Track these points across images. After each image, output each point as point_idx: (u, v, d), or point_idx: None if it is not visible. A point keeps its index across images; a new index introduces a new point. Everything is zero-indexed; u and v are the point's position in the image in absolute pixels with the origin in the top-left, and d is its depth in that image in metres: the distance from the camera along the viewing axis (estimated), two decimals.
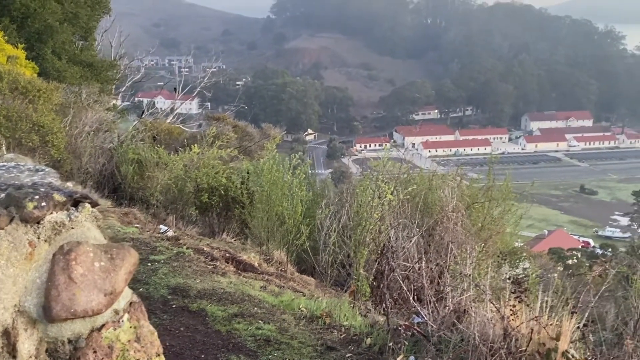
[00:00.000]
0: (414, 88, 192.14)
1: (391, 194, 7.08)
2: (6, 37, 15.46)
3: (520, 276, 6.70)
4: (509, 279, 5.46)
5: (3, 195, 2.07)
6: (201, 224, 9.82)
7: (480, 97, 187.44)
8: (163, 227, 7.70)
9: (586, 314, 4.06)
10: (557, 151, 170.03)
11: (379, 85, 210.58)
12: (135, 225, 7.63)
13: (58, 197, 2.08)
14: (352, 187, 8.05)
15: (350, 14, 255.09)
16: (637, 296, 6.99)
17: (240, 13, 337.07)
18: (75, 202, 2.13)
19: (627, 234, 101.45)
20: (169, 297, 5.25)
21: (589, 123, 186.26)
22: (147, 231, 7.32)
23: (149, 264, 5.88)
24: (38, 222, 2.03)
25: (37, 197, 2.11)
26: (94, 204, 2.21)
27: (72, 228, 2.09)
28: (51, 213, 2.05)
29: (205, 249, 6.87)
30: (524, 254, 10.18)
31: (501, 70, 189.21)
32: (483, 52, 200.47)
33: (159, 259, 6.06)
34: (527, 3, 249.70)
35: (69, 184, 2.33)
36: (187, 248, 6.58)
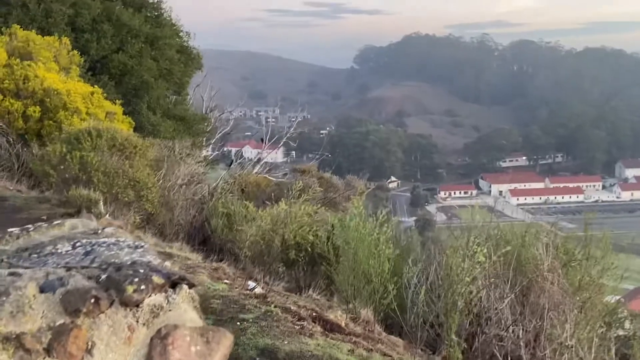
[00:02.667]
0: (500, 135, 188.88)
1: (483, 255, 6.85)
2: (105, 94, 16.34)
3: (621, 342, 6.25)
4: (610, 351, 5.11)
5: (104, 276, 2.04)
6: (287, 278, 9.83)
7: (570, 143, 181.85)
8: (251, 284, 7.74)
9: None
10: None
11: (463, 132, 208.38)
12: (225, 281, 7.71)
13: (157, 279, 2.05)
14: (440, 246, 7.85)
15: (433, 62, 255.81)
16: None
17: (325, 64, 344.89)
18: (173, 283, 2.11)
19: None
20: (257, 359, 5.22)
21: None
22: (236, 287, 7.37)
23: (238, 323, 5.88)
24: (137, 306, 2.02)
25: (136, 279, 2.07)
26: (190, 285, 2.19)
27: (170, 310, 2.07)
28: (150, 296, 2.03)
29: (292, 307, 6.83)
30: (625, 314, 9.56)
31: (592, 116, 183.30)
32: (572, 98, 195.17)
33: (247, 318, 6.06)
34: (618, 48, 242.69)
35: (167, 264, 2.34)
36: (275, 306, 6.55)
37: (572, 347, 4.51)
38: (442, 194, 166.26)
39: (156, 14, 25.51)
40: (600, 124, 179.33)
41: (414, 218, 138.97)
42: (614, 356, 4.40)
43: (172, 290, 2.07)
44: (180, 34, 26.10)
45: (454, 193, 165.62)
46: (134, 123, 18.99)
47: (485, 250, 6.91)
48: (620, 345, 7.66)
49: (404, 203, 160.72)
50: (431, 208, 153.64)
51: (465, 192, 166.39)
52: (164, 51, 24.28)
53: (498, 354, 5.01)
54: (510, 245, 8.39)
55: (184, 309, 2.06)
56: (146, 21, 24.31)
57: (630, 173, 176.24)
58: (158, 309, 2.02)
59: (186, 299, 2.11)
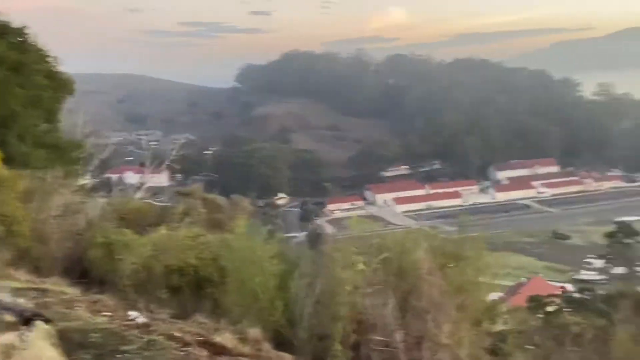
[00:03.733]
0: (381, 146, 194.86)
1: (363, 263, 7.03)
2: None
3: (497, 338, 6.61)
4: (485, 348, 5.39)
5: None
6: (173, 304, 9.59)
7: (446, 150, 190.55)
8: (133, 314, 7.50)
9: None
10: (526, 199, 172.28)
11: (346, 146, 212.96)
12: (104, 313, 7.42)
13: (8, 317, 1.98)
14: (322, 258, 7.98)
15: (313, 78, 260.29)
16: (619, 346, 6.94)
17: (205, 84, 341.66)
18: (27, 320, 2.03)
19: (603, 276, 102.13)
20: None
21: (554, 169, 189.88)
22: (117, 319, 7.11)
23: (119, 356, 5.67)
24: None
25: None
26: (47, 321, 2.14)
27: (24, 349, 1.96)
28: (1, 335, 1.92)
29: (177, 334, 6.67)
30: (502, 310, 10.10)
31: (465, 124, 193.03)
32: (445, 107, 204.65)
33: (129, 350, 5.86)
34: (484, 57, 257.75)
35: (21, 300, 2.29)
36: (159, 335, 6.38)
37: (448, 345, 4.71)
38: (330, 207, 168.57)
39: (20, 39, 24.25)
40: (473, 131, 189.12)
41: (305, 232, 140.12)
42: (485, 351, 4.65)
43: (26, 327, 1.98)
44: (48, 58, 24.94)
45: (342, 205, 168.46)
46: (2, 155, 17.91)
47: (364, 259, 7.09)
48: (498, 340, 8.08)
49: (295, 218, 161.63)
50: (321, 221, 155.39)
51: (352, 204, 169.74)
52: (30, 77, 23.13)
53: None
54: (390, 252, 8.65)
55: (40, 347, 1.97)
56: (10, 47, 23.07)
57: (502, 175, 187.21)
58: (11, 349, 1.91)
59: (43, 336, 2.03)
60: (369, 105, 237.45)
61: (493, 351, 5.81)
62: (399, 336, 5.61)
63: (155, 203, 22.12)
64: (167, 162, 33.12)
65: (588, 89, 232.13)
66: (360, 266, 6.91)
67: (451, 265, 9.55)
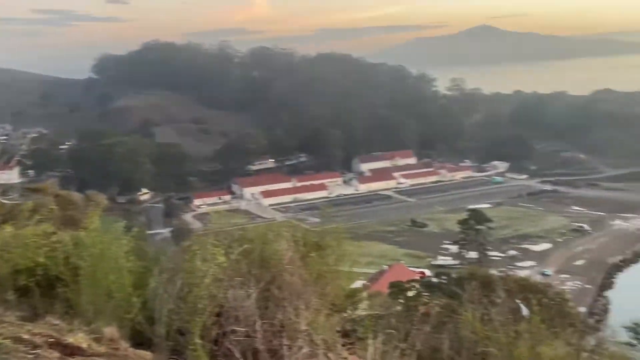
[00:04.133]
0: (247, 139, 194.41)
1: (224, 255, 6.97)
2: None
3: (355, 323, 6.82)
4: (338, 330, 5.54)
5: None
6: (22, 306, 8.99)
7: (311, 143, 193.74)
8: None
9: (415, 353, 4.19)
10: (387, 189, 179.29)
11: (212, 139, 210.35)
12: None
13: None
14: (183, 253, 7.82)
15: (175, 70, 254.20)
16: (466, 325, 7.36)
17: (59, 75, 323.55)
18: None
19: (458, 261, 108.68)
20: None
21: (412, 161, 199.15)
22: None
23: None
24: None
25: None
26: None
27: None
28: None
29: (25, 336, 6.27)
30: (362, 296, 10.42)
31: (329, 117, 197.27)
32: (310, 100, 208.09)
33: None
34: (345, 52, 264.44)
35: None
36: (4, 338, 5.96)
37: (306, 332, 4.79)
38: (196, 201, 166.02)
39: None
40: (337, 124, 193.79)
41: (170, 229, 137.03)
42: (341, 335, 4.80)
43: None
44: None
45: (209, 200, 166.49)
46: None
47: (225, 252, 7.03)
48: (356, 325, 8.34)
49: (159, 214, 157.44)
50: (187, 217, 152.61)
51: (219, 198, 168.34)
52: None
53: (237, 351, 5.13)
54: (252, 243, 8.66)
55: None
56: None
57: (365, 167, 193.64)
58: None
59: None
60: (233, 98, 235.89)
61: (349, 335, 5.99)
62: (259, 326, 5.62)
63: (2, 201, 20.63)
64: (17, 158, 30.95)
65: (442, 84, 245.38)
66: (221, 259, 6.85)
67: (312, 254, 9.71)
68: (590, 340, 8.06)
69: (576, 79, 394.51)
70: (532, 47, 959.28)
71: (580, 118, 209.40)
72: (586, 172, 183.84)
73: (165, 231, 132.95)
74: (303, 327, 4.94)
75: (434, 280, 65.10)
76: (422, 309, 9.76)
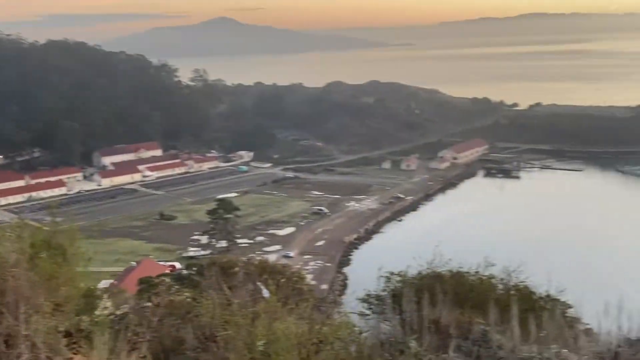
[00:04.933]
0: None
1: None
2: None
3: (86, 323, 6.48)
4: (64, 332, 5.21)
5: None
6: None
7: (46, 137, 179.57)
8: None
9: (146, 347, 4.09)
10: (133, 183, 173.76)
11: None
12: None
13: None
14: None
15: None
16: (206, 312, 7.41)
17: None
18: None
19: (208, 251, 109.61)
20: None
21: (158, 153, 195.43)
22: None
23: None
24: None
25: None
26: None
27: None
28: None
29: None
30: (99, 295, 9.99)
31: (64, 109, 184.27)
32: (42, 91, 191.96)
33: None
34: (80, 40, 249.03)
35: None
36: None
37: (27, 337, 4.40)
38: None
39: None
40: (74, 116, 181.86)
41: None
42: (63, 336, 4.50)
43: None
44: None
45: None
46: None
47: None
48: (89, 324, 7.96)
49: None
50: None
51: None
52: None
53: None
54: None
55: None
56: None
57: (108, 161, 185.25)
58: None
59: None
60: None
61: (74, 335, 5.67)
62: None
63: None
64: None
65: (185, 75, 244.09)
66: None
67: (42, 255, 9.03)
68: (324, 313, 8.65)
69: (311, 72, 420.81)
70: (269, 40, 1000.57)
71: (316, 108, 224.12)
72: (323, 159, 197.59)
73: None
74: (25, 333, 4.54)
75: (185, 272, 64.85)
76: (167, 301, 9.63)
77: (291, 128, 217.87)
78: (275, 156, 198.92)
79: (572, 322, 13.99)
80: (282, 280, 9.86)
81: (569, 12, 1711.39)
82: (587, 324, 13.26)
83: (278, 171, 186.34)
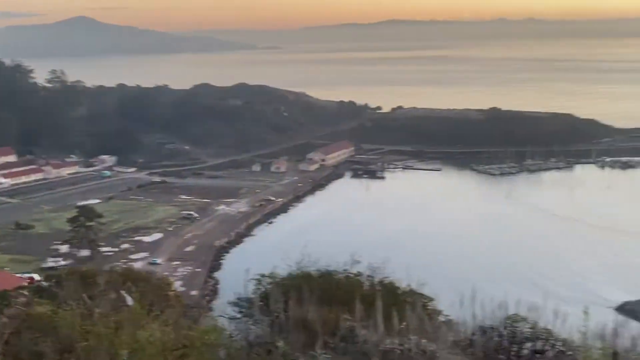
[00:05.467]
0: None
1: None
2: None
3: None
4: None
5: None
6: None
7: None
8: None
9: None
10: None
11: None
12: None
13: None
14: None
15: None
16: (66, 324, 7.07)
17: None
18: None
19: (69, 261, 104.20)
20: None
21: (12, 158, 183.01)
22: None
23: None
24: None
25: None
26: None
27: None
28: None
29: None
30: None
31: None
32: None
33: None
34: None
35: None
36: None
37: None
38: None
39: None
40: None
41: None
42: None
43: None
44: None
45: None
46: None
47: None
48: None
49: None
50: None
51: None
52: None
53: None
54: None
55: None
56: None
57: None
58: None
59: None
60: None
61: None
62: None
63: None
64: None
65: (42, 76, 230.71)
66: None
67: None
68: (191, 318, 8.52)
69: (177, 73, 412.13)
70: (132, 41, 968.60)
71: (182, 111, 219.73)
72: (191, 163, 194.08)
73: None
74: None
75: (44, 284, 61.14)
76: (23, 315, 9.08)
77: (157, 131, 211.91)
78: (141, 160, 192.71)
79: (433, 314, 14.76)
80: (147, 287, 9.60)
81: (428, 19, 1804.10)
82: (447, 315, 14.03)
83: (144, 176, 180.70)
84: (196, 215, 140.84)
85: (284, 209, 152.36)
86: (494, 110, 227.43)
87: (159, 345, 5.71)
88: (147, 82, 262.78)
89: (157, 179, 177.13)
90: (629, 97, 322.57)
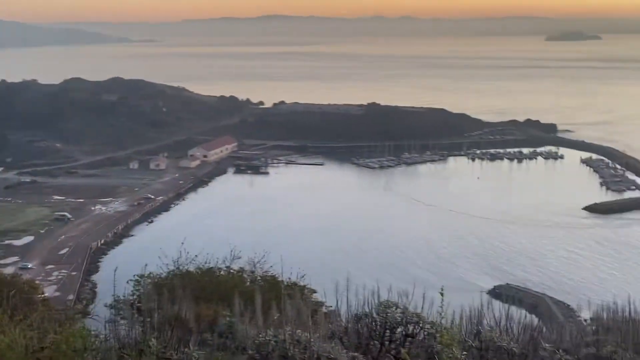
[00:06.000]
0: None
1: None
2: None
3: None
4: None
5: None
6: None
7: None
8: None
9: None
10: None
11: None
12: None
13: None
14: None
15: None
16: None
17: None
18: None
19: None
20: None
21: None
22: None
23: None
24: None
25: None
26: None
27: None
28: None
29: None
30: None
31: None
32: None
33: None
34: None
35: None
36: None
37: None
38: None
39: None
40: None
41: None
42: None
43: None
44: None
45: None
46: None
47: None
48: None
49: None
50: None
51: None
52: None
53: None
54: None
55: None
56: None
57: None
58: None
59: None
60: None
61: None
62: None
63: None
64: None
65: None
66: None
67: None
68: (60, 322, 8.15)
69: (45, 67, 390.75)
70: None
71: (53, 107, 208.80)
72: (64, 161, 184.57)
73: None
74: None
75: None
76: None
77: (25, 128, 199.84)
78: (8, 159, 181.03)
79: (315, 306, 15.01)
80: (12, 291, 9.07)
81: (307, 15, 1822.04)
82: (329, 306, 14.31)
83: (12, 176, 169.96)
84: (70, 216, 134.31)
85: (165, 207, 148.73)
86: (373, 106, 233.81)
87: (21, 350, 5.42)
88: (13, 77, 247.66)
89: (27, 178, 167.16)
90: (496, 93, 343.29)
